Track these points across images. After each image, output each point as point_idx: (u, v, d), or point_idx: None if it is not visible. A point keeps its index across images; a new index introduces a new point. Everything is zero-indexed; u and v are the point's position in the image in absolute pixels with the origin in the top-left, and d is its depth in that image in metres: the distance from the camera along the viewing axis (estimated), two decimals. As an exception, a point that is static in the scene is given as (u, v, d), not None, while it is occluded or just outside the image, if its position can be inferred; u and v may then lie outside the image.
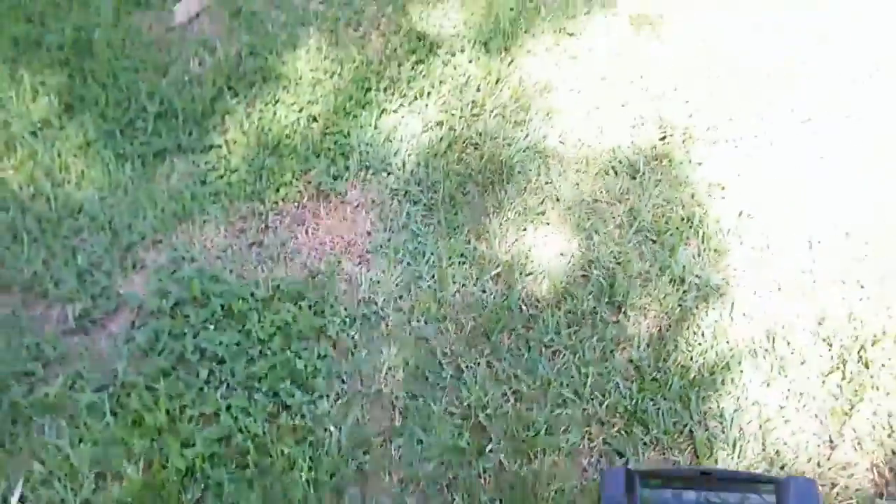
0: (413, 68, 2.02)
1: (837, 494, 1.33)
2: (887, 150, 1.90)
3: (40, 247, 1.61)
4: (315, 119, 1.90)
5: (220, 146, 1.83)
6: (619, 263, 1.66)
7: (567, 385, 1.46)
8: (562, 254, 1.69)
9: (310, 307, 1.55)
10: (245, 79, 1.96)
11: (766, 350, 1.53)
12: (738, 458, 1.37)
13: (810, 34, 2.19)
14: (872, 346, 1.52)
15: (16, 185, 1.71)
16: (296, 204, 1.76)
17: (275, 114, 1.89)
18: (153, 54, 1.99)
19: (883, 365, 1.50)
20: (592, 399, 1.45)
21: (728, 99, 2.01)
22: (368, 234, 1.72)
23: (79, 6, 2.07)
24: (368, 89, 1.96)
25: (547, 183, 1.82)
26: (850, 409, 1.43)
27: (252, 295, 1.55)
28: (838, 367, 1.49)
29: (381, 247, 1.69)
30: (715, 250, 1.69)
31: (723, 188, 1.82)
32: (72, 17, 2.04)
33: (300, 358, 1.46)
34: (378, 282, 1.62)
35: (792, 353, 1.52)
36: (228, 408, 1.38)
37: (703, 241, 1.71)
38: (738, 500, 0.68)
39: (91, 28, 2.02)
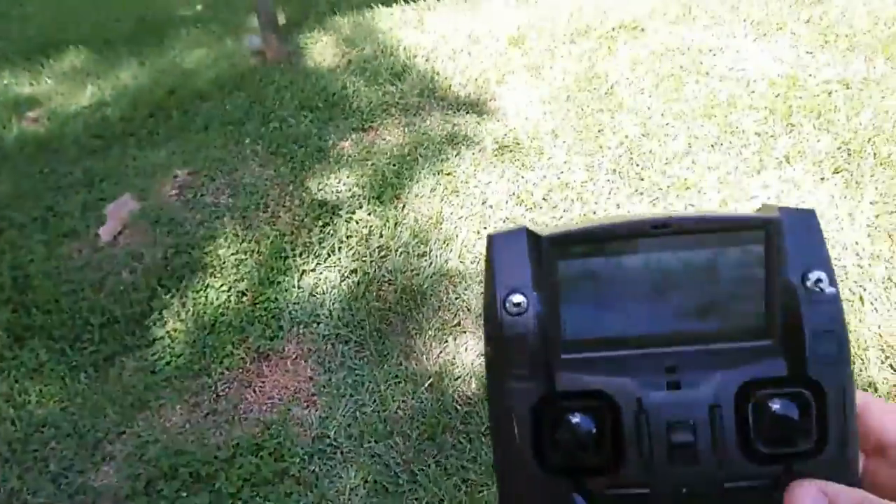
0: (321, 231, 2.33)
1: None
2: None
3: (13, 464, 1.73)
4: (244, 293, 2.15)
5: (162, 338, 2.04)
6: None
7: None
8: (480, 354, 1.93)
9: (270, 454, 1.71)
10: (174, 275, 2.21)
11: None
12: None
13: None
14: None
15: (-22, 417, 1.85)
16: (240, 370, 1.96)
17: (206, 298, 2.13)
18: (88, 274, 2.22)
19: None
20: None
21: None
22: (310, 378, 1.93)
23: (11, 248, 2.32)
24: (286, 257, 2.24)
25: (456, 298, 2.10)
26: None
27: (216, 457, 1.70)
28: None
29: (324, 388, 1.89)
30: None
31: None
32: (6, 261, 2.28)
33: (269, 501, 1.61)
34: (327, 417, 1.81)
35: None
36: (212, 563, 1.50)
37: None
38: (708, 259, 0.41)
39: (26, 265, 2.25)
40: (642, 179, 2.44)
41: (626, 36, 3.17)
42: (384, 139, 2.69)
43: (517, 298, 0.40)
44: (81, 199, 2.45)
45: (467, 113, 2.79)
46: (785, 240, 0.40)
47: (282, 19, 3.39)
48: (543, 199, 2.41)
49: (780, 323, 0.40)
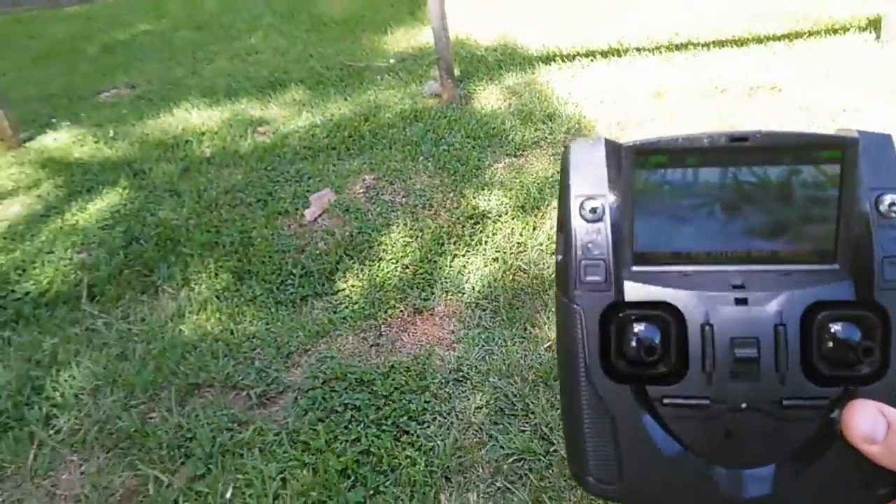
0: (472, 227, 2.84)
1: None
2: None
3: (230, 359, 2.34)
4: (407, 266, 2.69)
5: (343, 289, 2.61)
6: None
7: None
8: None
9: (416, 374, 2.19)
10: (357, 248, 2.80)
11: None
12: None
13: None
14: None
15: (208, 326, 2.49)
16: (399, 319, 2.47)
17: (379, 266, 2.69)
18: (294, 241, 2.88)
19: None
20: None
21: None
22: (452, 332, 2.40)
23: (241, 218, 3.04)
24: (442, 244, 2.77)
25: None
26: None
27: (376, 371, 2.21)
28: None
29: (462, 338, 2.35)
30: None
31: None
32: (237, 226, 2.99)
33: (412, 403, 2.07)
34: (461, 357, 2.26)
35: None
36: (366, 435, 1.97)
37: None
38: (783, 176, 0.39)
39: (249, 231, 2.95)
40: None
41: (764, 95, 3.49)
42: (532, 165, 3.19)
43: (593, 204, 0.41)
44: (293, 189, 3.15)
45: (606, 149, 3.23)
46: (861, 162, 0.39)
47: (457, 70, 4.05)
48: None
49: (850, 246, 0.39)
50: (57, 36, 5.78)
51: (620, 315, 0.39)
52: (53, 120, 4.04)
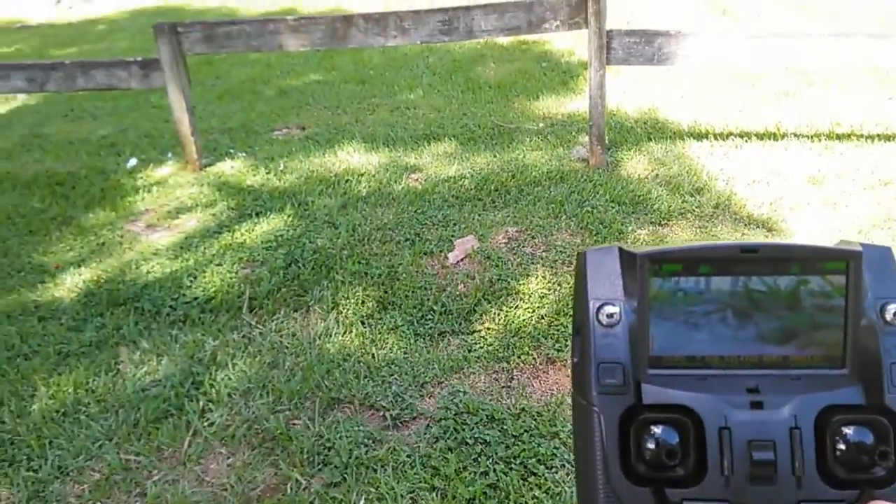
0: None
1: None
2: None
3: (369, 380, 2.48)
4: (543, 317, 2.75)
5: (479, 331, 2.71)
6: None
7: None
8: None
9: (547, 421, 2.22)
10: (495, 293, 2.90)
11: None
12: None
13: None
14: None
15: (352, 348, 2.66)
16: (531, 366, 2.52)
17: (515, 313, 2.77)
18: (436, 280, 3.02)
19: None
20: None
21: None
22: (584, 385, 2.41)
23: (389, 254, 3.23)
24: (580, 300, 2.81)
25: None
26: None
27: (507, 410, 2.26)
28: None
29: (593, 393, 2.36)
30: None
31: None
32: (385, 260, 3.19)
33: (541, 447, 2.10)
34: (593, 411, 2.27)
35: None
36: (495, 470, 2.02)
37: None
38: (791, 286, 0.41)
39: (396, 266, 3.13)
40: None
41: (933, 191, 3.31)
42: (676, 234, 3.19)
43: (610, 309, 0.42)
44: (439, 232, 3.33)
45: (757, 228, 3.18)
46: (864, 273, 0.41)
47: (606, 138, 4.15)
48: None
49: (858, 352, 0.41)
50: (240, 78, 6.46)
51: (639, 418, 0.41)
52: (231, 150, 4.50)
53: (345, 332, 2.73)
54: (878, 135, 4.03)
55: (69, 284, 3.15)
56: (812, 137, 4.04)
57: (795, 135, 4.09)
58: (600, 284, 0.44)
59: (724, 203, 3.39)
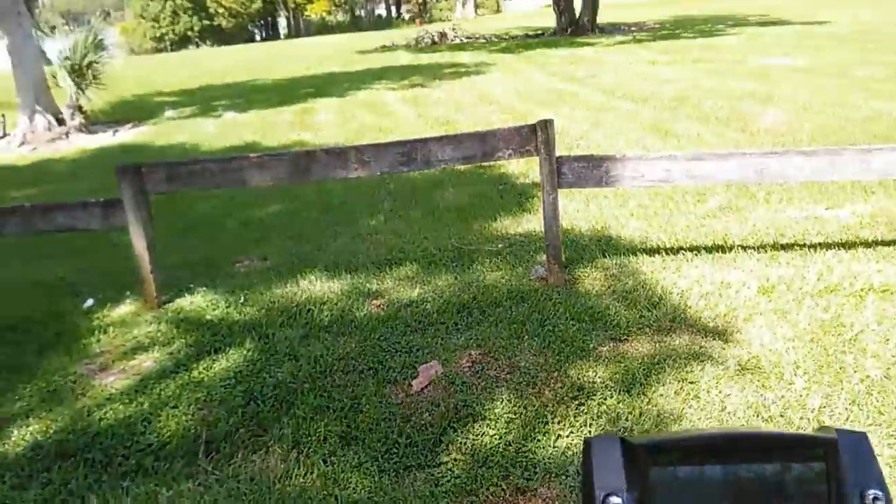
0: (577, 409, 2.84)
1: None
2: None
3: (333, 523, 2.36)
4: (510, 444, 2.69)
5: (446, 463, 2.63)
6: None
7: None
8: None
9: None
10: (460, 421, 2.85)
11: None
12: None
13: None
14: None
15: (313, 490, 2.55)
16: (501, 498, 2.44)
17: (482, 441, 2.71)
18: (400, 410, 2.96)
19: None
20: None
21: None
22: None
23: (351, 385, 3.17)
24: (546, 423, 2.77)
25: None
26: None
27: (476, 550, 2.16)
28: None
29: (565, 524, 2.28)
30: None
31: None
32: (347, 392, 3.12)
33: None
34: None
35: None
36: None
37: None
38: (776, 472, 0.44)
39: (359, 397, 3.07)
40: (881, 413, 2.60)
41: (875, 297, 3.44)
42: (637, 349, 3.22)
43: (615, 500, 0.46)
44: (402, 359, 3.30)
45: (714, 339, 3.24)
46: (842, 460, 0.45)
47: (563, 256, 4.26)
48: (780, 415, 2.68)
49: None
50: (203, 211, 6.55)
51: None
52: (191, 285, 4.48)
53: (306, 473, 2.63)
54: (820, 243, 4.22)
55: (15, 438, 3.01)
56: (758, 249, 4.21)
57: (742, 247, 4.26)
58: (605, 474, 0.48)
59: (680, 316, 3.46)
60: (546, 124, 3.97)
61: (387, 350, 3.42)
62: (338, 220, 5.81)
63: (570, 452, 2.61)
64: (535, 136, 4.00)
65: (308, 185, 6.78)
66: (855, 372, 2.86)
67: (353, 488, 2.54)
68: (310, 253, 4.97)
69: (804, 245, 4.22)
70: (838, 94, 9.01)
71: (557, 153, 4.00)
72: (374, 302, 3.97)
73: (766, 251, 4.16)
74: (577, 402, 2.88)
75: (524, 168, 6.71)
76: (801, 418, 2.63)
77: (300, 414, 2.97)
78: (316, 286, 4.24)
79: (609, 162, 4.05)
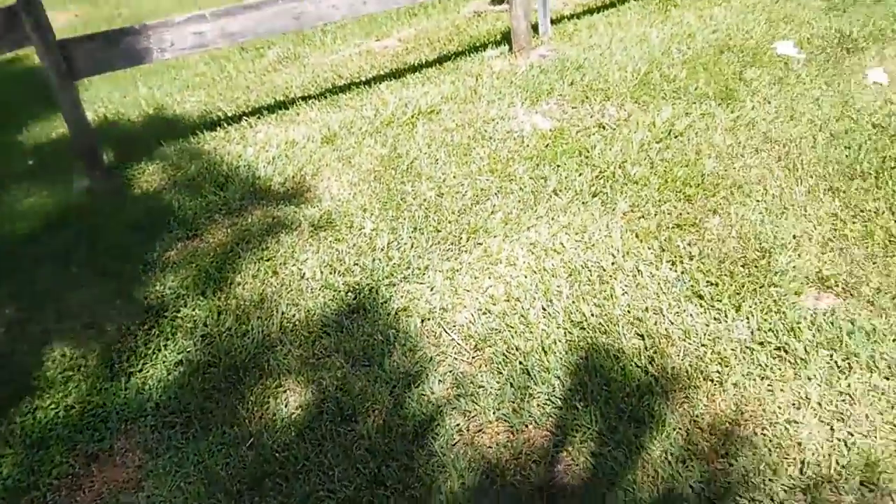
0: (146, 334, 2.45)
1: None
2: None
3: None
4: (72, 407, 2.22)
5: (-11, 462, 2.07)
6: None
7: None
8: (299, 406, 2.08)
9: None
10: (2, 410, 2.26)
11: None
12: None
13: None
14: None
15: None
16: (70, 477, 2.01)
17: (34, 419, 2.19)
18: None
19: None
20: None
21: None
22: (138, 467, 2.01)
23: None
24: (112, 365, 2.35)
25: (277, 364, 2.25)
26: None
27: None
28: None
29: (150, 471, 1.98)
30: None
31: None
32: None
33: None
34: (151, 497, 1.89)
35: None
36: None
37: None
38: None
39: None
40: (438, 231, 2.74)
41: (424, 119, 3.58)
42: (208, 242, 2.89)
43: None
44: None
45: (286, 206, 3.05)
46: None
47: (109, 156, 3.61)
48: (355, 264, 2.65)
49: None
50: None
51: None
52: None
53: None
54: (373, 77, 4.25)
55: None
56: (319, 97, 4.08)
57: (304, 98, 4.09)
58: None
59: (250, 191, 3.19)
60: (29, 5, 3.11)
61: None
62: None
63: (146, 388, 2.25)
64: (21, 21, 3.12)
65: None
66: (414, 199, 2.95)
67: None
68: None
69: (360, 82, 4.20)
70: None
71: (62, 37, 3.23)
72: None
73: (326, 97, 4.05)
74: (146, 327, 2.48)
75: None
76: (374, 260, 2.64)
77: None
78: None
79: (128, 36, 3.40)
